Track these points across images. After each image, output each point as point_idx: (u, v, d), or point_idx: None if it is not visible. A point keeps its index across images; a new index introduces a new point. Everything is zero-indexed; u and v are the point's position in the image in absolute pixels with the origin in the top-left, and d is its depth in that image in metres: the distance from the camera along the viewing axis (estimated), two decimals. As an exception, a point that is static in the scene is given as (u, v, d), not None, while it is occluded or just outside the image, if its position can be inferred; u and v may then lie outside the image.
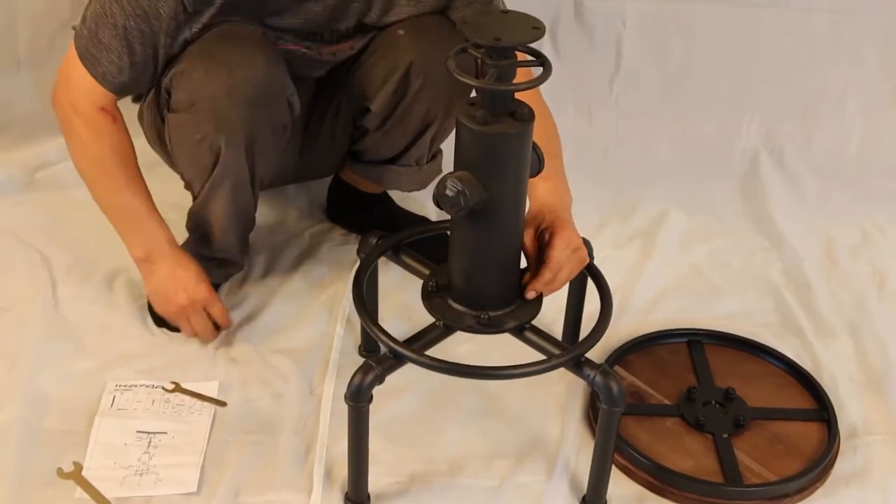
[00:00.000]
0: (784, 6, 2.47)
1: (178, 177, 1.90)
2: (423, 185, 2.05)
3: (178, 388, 1.79)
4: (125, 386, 1.79)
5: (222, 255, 1.95)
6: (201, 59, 1.69)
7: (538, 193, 1.61)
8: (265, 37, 1.74)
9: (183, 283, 1.83)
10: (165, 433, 1.71)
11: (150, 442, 1.69)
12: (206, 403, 1.77)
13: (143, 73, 1.72)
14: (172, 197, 1.98)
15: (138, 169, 1.81)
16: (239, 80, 1.68)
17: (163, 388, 1.79)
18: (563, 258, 1.56)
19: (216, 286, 1.99)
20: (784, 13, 2.48)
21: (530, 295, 1.57)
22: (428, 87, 1.84)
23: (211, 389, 1.79)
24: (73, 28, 1.74)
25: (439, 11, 1.84)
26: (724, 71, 2.54)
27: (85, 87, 1.72)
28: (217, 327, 1.88)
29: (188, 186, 1.88)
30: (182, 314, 1.85)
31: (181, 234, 1.97)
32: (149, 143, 1.97)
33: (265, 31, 1.74)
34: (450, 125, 1.92)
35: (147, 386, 1.79)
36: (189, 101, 1.72)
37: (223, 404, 1.77)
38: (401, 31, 1.83)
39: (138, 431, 1.71)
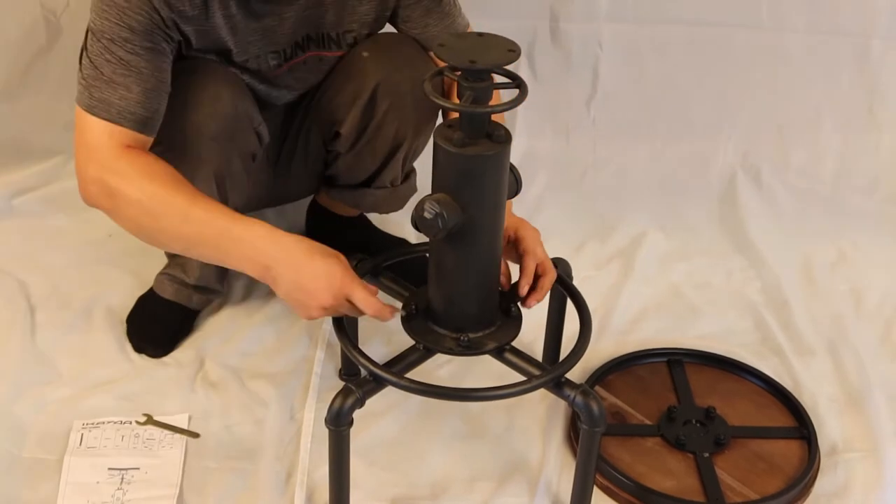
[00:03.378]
0: (759, 26, 2.48)
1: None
2: (400, 206, 2.05)
3: (150, 421, 1.76)
4: (93, 424, 1.75)
5: (202, 282, 1.94)
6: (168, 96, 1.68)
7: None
8: (231, 71, 1.74)
9: (312, 293, 1.54)
10: (138, 468, 1.68)
11: (122, 478, 1.67)
12: (177, 436, 1.75)
13: (159, 96, 1.62)
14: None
15: (193, 188, 1.60)
16: (204, 118, 1.68)
17: (134, 422, 1.76)
18: (536, 246, 1.63)
19: (195, 312, 1.99)
20: (759, 33, 2.49)
21: (531, 304, 1.62)
22: (395, 107, 1.84)
23: (182, 421, 1.77)
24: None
25: (391, 10, 1.82)
26: (701, 91, 2.55)
27: (104, 135, 1.58)
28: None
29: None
30: (331, 315, 1.60)
31: (161, 260, 1.97)
32: None
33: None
34: (420, 144, 1.92)
35: (115, 422, 1.76)
36: (157, 136, 1.72)
37: (196, 436, 1.75)
38: (365, 53, 1.84)
39: (109, 469, 1.68)
